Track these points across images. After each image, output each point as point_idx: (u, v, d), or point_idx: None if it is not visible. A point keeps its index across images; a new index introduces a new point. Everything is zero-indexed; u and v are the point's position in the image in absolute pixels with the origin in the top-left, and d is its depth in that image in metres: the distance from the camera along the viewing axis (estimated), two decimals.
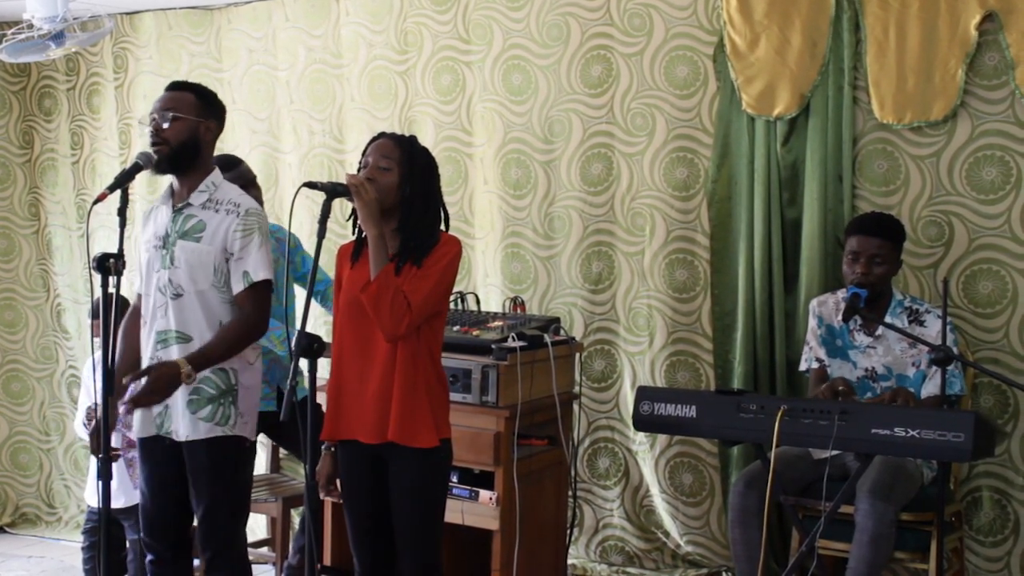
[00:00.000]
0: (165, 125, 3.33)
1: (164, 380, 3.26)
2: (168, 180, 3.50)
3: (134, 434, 3.48)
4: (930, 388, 3.87)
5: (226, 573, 3.41)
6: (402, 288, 3.08)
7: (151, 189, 5.66)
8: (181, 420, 3.35)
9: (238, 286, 3.37)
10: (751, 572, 3.76)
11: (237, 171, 4.18)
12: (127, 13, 5.84)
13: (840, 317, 3.96)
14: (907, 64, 4.25)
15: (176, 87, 3.47)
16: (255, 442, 3.51)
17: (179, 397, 3.34)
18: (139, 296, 3.52)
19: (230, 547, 3.41)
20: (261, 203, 4.27)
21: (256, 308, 3.38)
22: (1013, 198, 4.17)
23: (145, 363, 3.42)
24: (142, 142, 5.74)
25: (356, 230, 3.31)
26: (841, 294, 4.05)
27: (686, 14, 4.66)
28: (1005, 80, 4.15)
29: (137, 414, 3.43)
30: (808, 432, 3.42)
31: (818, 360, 4.07)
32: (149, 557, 3.47)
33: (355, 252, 3.28)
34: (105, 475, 3.14)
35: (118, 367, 3.45)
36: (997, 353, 4.21)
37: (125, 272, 3.22)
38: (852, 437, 3.36)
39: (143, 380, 3.27)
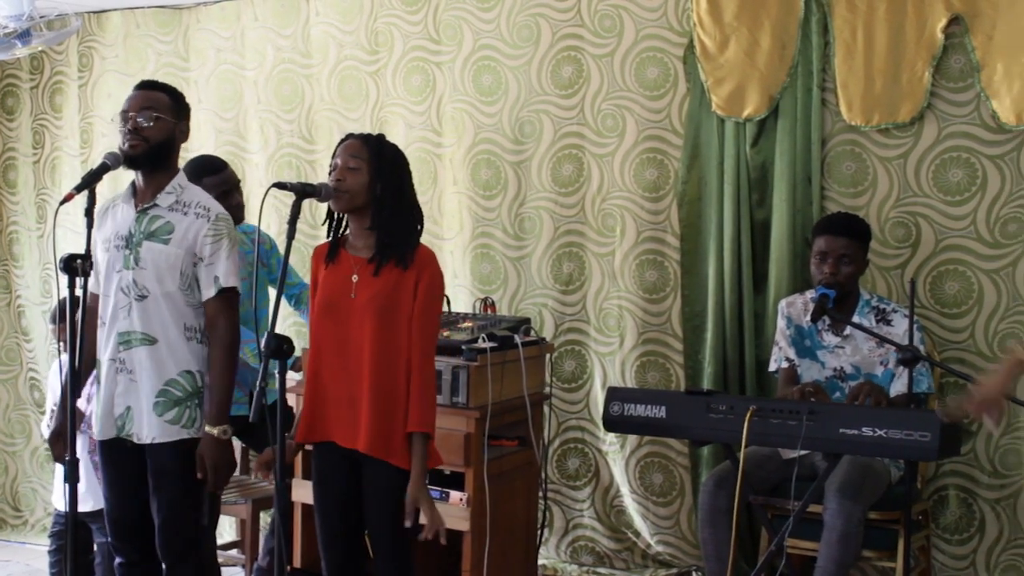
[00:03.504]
0: (145, 123, 3.29)
1: (216, 457, 3.27)
2: (128, 179, 3.47)
3: (95, 436, 3.43)
4: (898, 387, 3.90)
5: None
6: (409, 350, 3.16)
7: (113, 189, 5.58)
8: (145, 422, 3.31)
9: (208, 291, 3.33)
10: (721, 571, 3.77)
11: (223, 175, 4.12)
12: (94, 12, 5.79)
13: (809, 318, 3.98)
14: (875, 66, 4.28)
15: (150, 87, 3.42)
16: None
17: (143, 399, 3.31)
18: (94, 296, 3.46)
19: (193, 552, 3.36)
20: (243, 207, 4.25)
21: (228, 319, 3.35)
22: (979, 199, 4.21)
23: (104, 365, 3.37)
24: (105, 142, 5.72)
25: (330, 232, 3.30)
26: (810, 295, 4.07)
27: (656, 15, 4.67)
28: (971, 83, 4.19)
29: (97, 416, 3.39)
30: (777, 432, 3.44)
31: (787, 360, 4.09)
32: (117, 560, 3.43)
33: (329, 253, 3.27)
34: (72, 478, 3.11)
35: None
36: (963, 353, 4.25)
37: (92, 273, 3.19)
38: (820, 437, 3.38)
39: (208, 471, 3.27)
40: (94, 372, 3.48)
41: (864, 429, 3.33)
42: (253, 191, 5.46)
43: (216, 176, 4.05)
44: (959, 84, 4.22)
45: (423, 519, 3.15)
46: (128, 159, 3.31)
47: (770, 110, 4.45)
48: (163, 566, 3.36)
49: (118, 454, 3.38)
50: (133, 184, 3.42)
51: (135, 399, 3.32)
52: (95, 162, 3.32)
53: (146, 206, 3.35)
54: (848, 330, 3.99)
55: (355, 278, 3.18)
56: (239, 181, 4.29)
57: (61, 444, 3.42)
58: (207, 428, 3.28)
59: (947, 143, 4.25)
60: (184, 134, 3.43)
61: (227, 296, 3.35)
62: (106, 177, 3.29)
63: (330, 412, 3.20)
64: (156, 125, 3.31)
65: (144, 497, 3.39)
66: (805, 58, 4.41)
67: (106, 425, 3.37)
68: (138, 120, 3.30)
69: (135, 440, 3.33)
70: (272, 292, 4.52)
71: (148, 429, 3.31)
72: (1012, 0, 4.07)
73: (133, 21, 5.73)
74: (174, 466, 3.31)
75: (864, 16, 4.29)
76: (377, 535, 3.19)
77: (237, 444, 4.98)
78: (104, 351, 3.39)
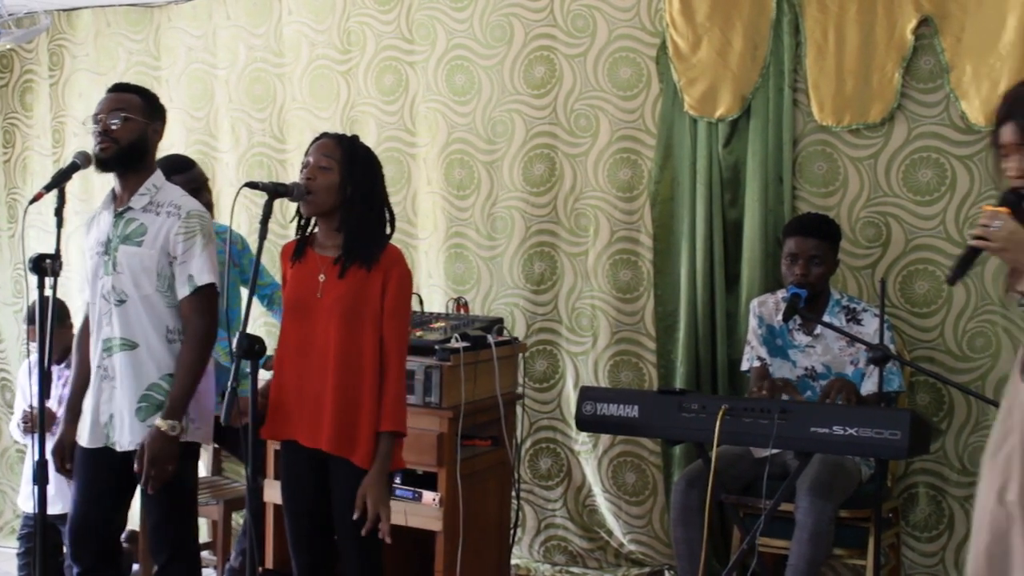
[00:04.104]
0: (115, 124, 3.27)
1: (156, 451, 3.21)
2: (108, 185, 3.44)
3: (81, 443, 3.39)
4: (869, 386, 3.92)
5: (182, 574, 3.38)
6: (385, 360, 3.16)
7: (85, 189, 5.58)
8: (127, 428, 3.29)
9: (183, 290, 3.30)
10: (693, 570, 3.78)
11: (190, 173, 4.12)
12: (64, 10, 5.75)
13: (780, 317, 4.00)
14: (846, 67, 4.31)
15: (121, 88, 3.41)
16: (199, 444, 3.46)
17: (126, 405, 3.28)
18: (88, 305, 3.45)
19: (184, 550, 3.37)
20: (212, 205, 4.23)
21: (202, 317, 3.31)
22: (948, 199, 4.24)
23: (93, 372, 3.35)
24: (76, 141, 5.68)
25: (298, 230, 3.29)
26: (781, 294, 4.09)
27: (629, 16, 4.68)
28: (940, 84, 4.22)
29: (85, 424, 3.35)
30: (749, 431, 3.45)
31: (759, 359, 4.11)
32: (75, 570, 3.39)
33: (296, 252, 3.27)
34: (41, 480, 3.09)
35: (73, 383, 3.39)
36: (933, 352, 4.28)
37: (62, 274, 3.16)
38: (791, 436, 3.40)
39: (144, 463, 3.21)
40: (66, 373, 3.45)
41: (835, 428, 3.35)
42: (224, 190, 5.44)
43: (183, 175, 4.04)
44: (929, 85, 4.25)
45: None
46: (99, 161, 3.29)
47: (742, 110, 4.47)
48: (138, 565, 3.35)
49: (101, 462, 3.34)
50: (113, 189, 3.41)
51: (117, 406, 3.30)
52: (66, 161, 3.29)
53: (121, 209, 3.34)
54: (819, 329, 4.01)
55: (322, 277, 3.18)
56: (207, 179, 4.29)
57: (60, 455, 3.41)
58: (156, 420, 3.23)
59: (917, 143, 4.28)
60: (158, 134, 3.41)
61: (203, 294, 3.32)
62: (78, 180, 3.27)
63: (294, 410, 3.19)
64: (126, 126, 3.29)
65: (114, 505, 3.37)
66: (777, 59, 4.43)
67: (94, 434, 3.34)
68: (108, 122, 3.28)
69: (117, 448, 3.30)
70: (244, 292, 4.51)
71: (131, 435, 3.28)
72: (980, 2, 4.10)
73: (104, 19, 5.70)
74: None
75: (835, 17, 4.31)
76: (344, 536, 3.18)
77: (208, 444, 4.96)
78: (93, 359, 3.37)
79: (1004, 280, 2.69)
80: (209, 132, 5.53)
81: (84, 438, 3.36)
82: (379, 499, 3.11)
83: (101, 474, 3.34)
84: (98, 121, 3.30)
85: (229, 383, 2.87)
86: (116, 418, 3.30)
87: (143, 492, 3.31)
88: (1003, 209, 2.50)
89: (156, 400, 3.29)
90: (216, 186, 5.48)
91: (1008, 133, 2.53)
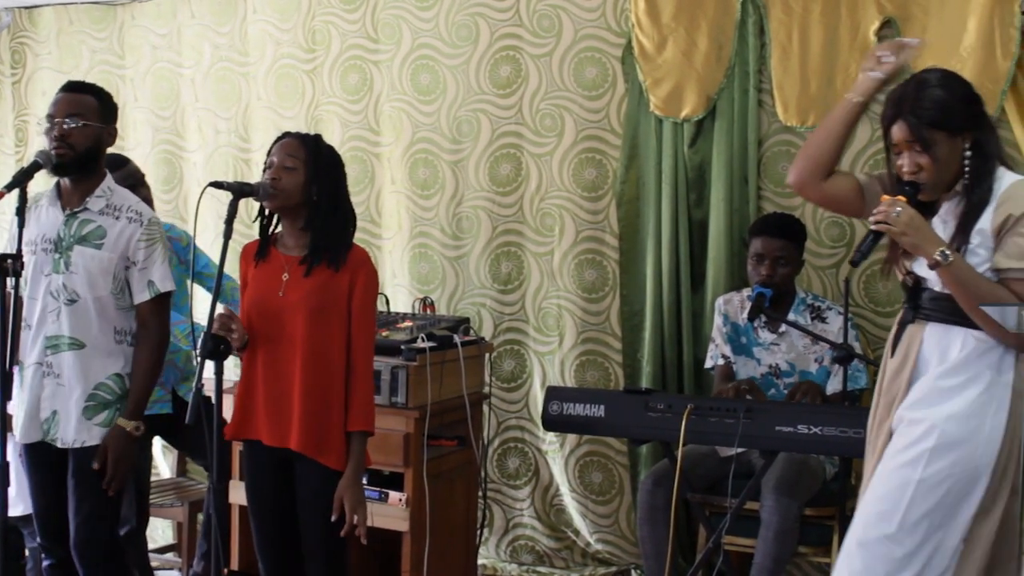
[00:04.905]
0: (71, 128, 3.24)
1: (120, 450, 3.24)
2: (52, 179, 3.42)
3: (19, 439, 3.38)
4: (835, 384, 3.96)
5: None
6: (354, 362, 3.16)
7: (48, 187, 5.53)
8: (73, 426, 3.28)
9: (142, 296, 3.32)
10: (659, 569, 3.80)
11: (126, 170, 4.10)
12: (26, 7, 5.69)
13: (745, 315, 4.03)
14: (810, 68, 4.33)
15: (76, 88, 3.37)
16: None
17: (72, 403, 3.27)
18: (16, 299, 3.41)
19: (111, 555, 3.34)
20: (151, 202, 4.22)
21: (159, 322, 3.36)
22: None
23: (29, 369, 3.33)
24: (40, 140, 5.61)
25: (261, 230, 3.28)
26: (746, 292, 4.12)
27: (594, 16, 4.69)
28: None
29: (21, 419, 3.34)
30: (714, 430, 3.48)
31: (723, 357, 4.13)
32: (47, 561, 3.40)
33: (259, 252, 3.25)
34: (2, 483, 3.06)
35: None
36: None
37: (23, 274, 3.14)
38: (757, 435, 3.43)
39: (107, 464, 3.23)
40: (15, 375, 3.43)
41: (800, 427, 3.38)
42: (191, 190, 5.42)
43: (119, 171, 4.01)
44: (892, 86, 4.27)
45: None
46: (55, 167, 3.26)
47: (707, 111, 4.48)
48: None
49: (43, 457, 3.34)
50: (58, 185, 3.37)
51: (62, 403, 3.29)
52: (29, 160, 3.26)
53: (76, 210, 3.31)
54: (783, 327, 4.04)
55: (286, 276, 3.16)
56: (143, 176, 4.26)
57: None
58: (120, 421, 3.26)
59: (880, 144, 4.27)
60: (112, 137, 3.40)
61: (161, 299, 3.35)
62: (40, 178, 3.25)
63: (259, 410, 3.17)
64: (83, 131, 3.26)
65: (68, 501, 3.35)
66: (742, 59, 4.45)
67: (31, 428, 3.33)
68: (64, 126, 3.25)
69: (59, 444, 3.29)
70: (188, 286, 4.49)
71: (77, 433, 3.28)
72: (942, 4, 4.14)
73: (66, 17, 5.65)
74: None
75: (799, 18, 4.34)
76: (309, 537, 3.16)
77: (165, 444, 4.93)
78: (30, 354, 3.34)
79: (889, 264, 2.94)
80: (176, 131, 5.49)
81: (19, 433, 3.36)
82: (357, 501, 3.11)
83: (52, 470, 3.34)
84: (54, 124, 3.26)
85: (194, 383, 2.86)
86: (60, 414, 3.29)
87: (74, 490, 3.30)
88: (901, 198, 2.72)
89: (103, 399, 3.30)
90: (184, 186, 5.47)
91: (898, 132, 2.82)
